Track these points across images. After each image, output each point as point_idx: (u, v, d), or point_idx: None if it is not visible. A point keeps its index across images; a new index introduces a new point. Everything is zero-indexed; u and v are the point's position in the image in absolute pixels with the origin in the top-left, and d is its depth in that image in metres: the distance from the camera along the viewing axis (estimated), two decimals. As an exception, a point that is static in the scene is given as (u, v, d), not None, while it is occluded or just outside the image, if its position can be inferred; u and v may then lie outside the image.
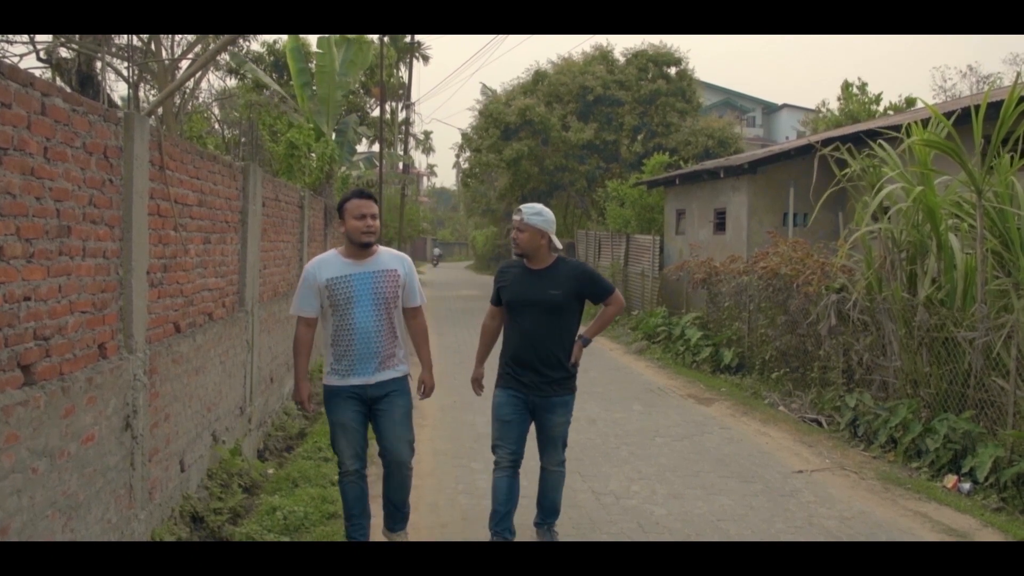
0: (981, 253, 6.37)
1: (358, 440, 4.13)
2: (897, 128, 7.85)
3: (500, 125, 24.28)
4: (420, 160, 58.20)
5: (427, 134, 55.31)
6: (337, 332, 4.07)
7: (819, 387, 8.40)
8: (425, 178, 64.41)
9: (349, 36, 15.13)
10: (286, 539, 4.56)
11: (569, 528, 4.85)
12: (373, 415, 4.13)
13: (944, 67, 45.53)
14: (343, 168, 15.21)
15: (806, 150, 11.83)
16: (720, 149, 22.78)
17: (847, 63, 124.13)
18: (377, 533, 4.40)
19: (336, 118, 15.79)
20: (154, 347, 4.09)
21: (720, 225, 14.05)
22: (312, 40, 18.99)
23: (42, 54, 13.20)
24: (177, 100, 17.54)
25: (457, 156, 32.89)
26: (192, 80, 18.42)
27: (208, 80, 23.27)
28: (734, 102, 43.25)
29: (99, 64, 13.61)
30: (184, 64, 16.79)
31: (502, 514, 4.28)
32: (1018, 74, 9.75)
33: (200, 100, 23.25)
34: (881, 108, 22.33)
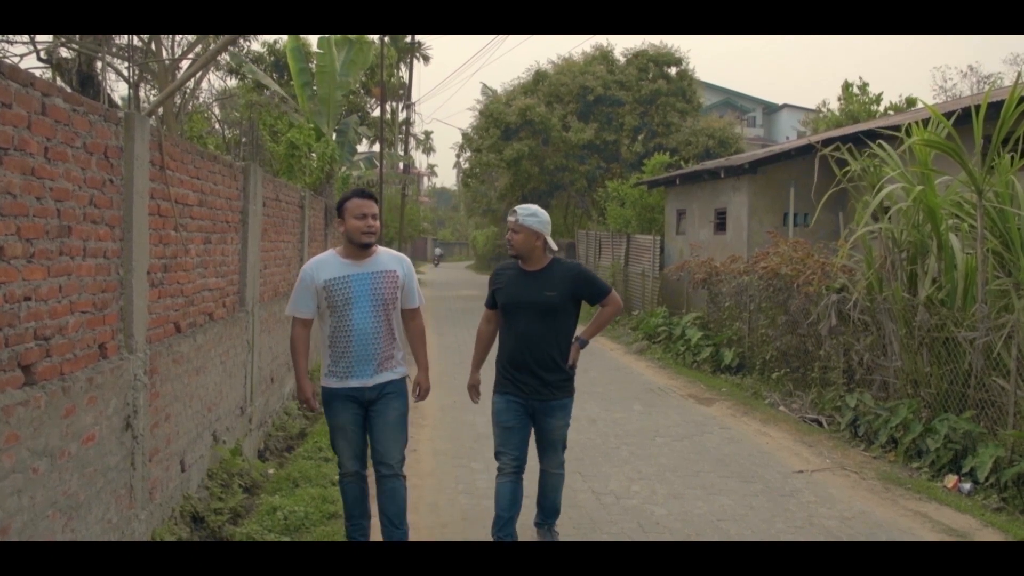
0: (981, 253, 6.37)
1: (357, 442, 4.10)
2: (897, 128, 7.85)
3: (500, 125, 24.28)
4: (420, 160, 58.22)
5: (427, 134, 55.35)
6: (335, 333, 4.02)
7: (819, 387, 8.40)
8: (425, 178, 64.39)
9: (350, 37, 15.14)
10: (287, 539, 4.56)
11: (570, 528, 4.85)
12: (368, 416, 4.08)
13: (944, 67, 45.69)
14: (343, 168, 15.22)
15: (806, 150, 11.83)
16: (720, 149, 22.78)
17: (847, 63, 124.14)
18: (377, 534, 4.40)
19: (336, 118, 15.80)
20: (155, 347, 4.09)
21: (720, 225, 14.04)
22: (312, 40, 19.02)
23: (42, 54, 13.20)
24: (177, 100, 17.55)
25: (457, 156, 32.88)
26: (192, 80, 18.43)
27: (208, 80, 23.29)
28: (734, 102, 43.24)
29: (99, 64, 13.61)
30: (184, 64, 16.79)
31: (505, 520, 4.26)
32: (1018, 74, 9.75)
33: (200, 100, 23.26)
34: (881, 108, 22.33)
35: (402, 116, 35.22)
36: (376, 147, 26.48)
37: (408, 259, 4.29)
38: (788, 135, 38.18)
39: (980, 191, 6.40)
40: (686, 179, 15.58)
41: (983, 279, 6.33)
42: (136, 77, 16.75)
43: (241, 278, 6.01)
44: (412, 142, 42.06)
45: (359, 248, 4.04)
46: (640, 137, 24.08)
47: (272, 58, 26.06)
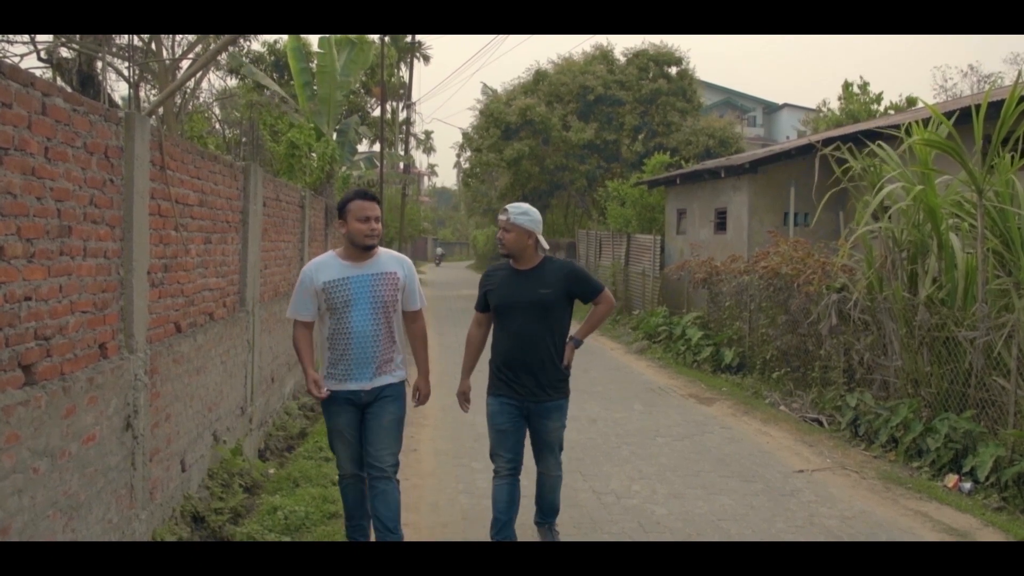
0: (982, 252, 6.37)
1: (354, 445, 4.04)
2: (898, 128, 7.85)
3: (501, 125, 24.29)
4: (421, 160, 58.25)
5: (428, 134, 55.42)
6: (334, 335, 3.98)
7: (820, 387, 8.40)
8: (426, 178, 64.40)
9: (351, 37, 15.15)
10: (287, 539, 4.56)
11: (570, 527, 4.85)
12: (363, 419, 4.02)
13: (945, 67, 45.63)
14: (344, 168, 15.22)
15: (807, 150, 11.82)
16: (721, 149, 22.79)
17: (848, 63, 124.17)
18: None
19: (337, 118, 15.80)
20: (155, 347, 4.09)
21: (721, 225, 14.04)
22: (313, 40, 19.01)
23: (43, 54, 13.19)
24: (178, 100, 17.55)
25: (458, 156, 32.93)
26: (193, 80, 18.42)
27: (209, 80, 23.26)
28: (735, 102, 43.22)
29: (100, 64, 13.61)
30: (185, 64, 16.80)
31: (503, 522, 4.24)
32: (1019, 74, 9.74)
33: (201, 100, 23.25)
34: (882, 108, 22.34)
35: (402, 116, 35.22)
36: (376, 147, 26.49)
37: (409, 260, 4.23)
38: (788, 135, 38.16)
39: (980, 190, 6.40)
40: (686, 179, 15.58)
41: (983, 278, 6.33)
42: (136, 77, 16.75)
43: (241, 278, 6.01)
44: (412, 142, 42.06)
45: (361, 250, 3.99)
46: (640, 137, 24.09)
47: (272, 58, 26.06)
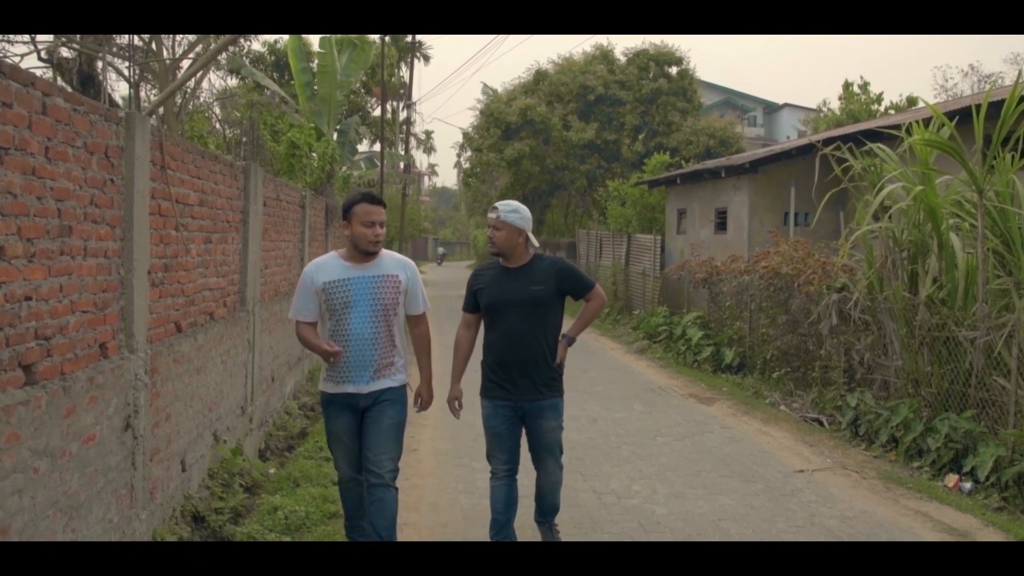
0: (982, 252, 6.37)
1: (352, 449, 3.99)
2: (898, 127, 7.85)
3: (501, 125, 24.30)
4: (421, 160, 58.26)
5: (428, 134, 55.47)
6: (333, 338, 3.93)
7: (820, 386, 8.40)
8: (426, 177, 64.40)
9: (352, 38, 15.16)
10: (287, 539, 4.56)
11: (570, 527, 4.84)
12: (362, 423, 3.95)
13: (945, 67, 45.52)
14: (344, 168, 15.22)
15: (807, 150, 11.82)
16: (721, 148, 22.79)
17: (848, 63, 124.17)
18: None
19: (337, 118, 15.81)
20: (155, 347, 4.09)
21: (721, 224, 14.04)
22: (314, 40, 19.02)
23: (43, 54, 13.19)
24: (178, 100, 17.55)
25: (458, 156, 32.90)
26: (193, 80, 18.42)
27: (209, 80, 23.24)
28: (735, 102, 43.21)
29: (100, 64, 13.61)
30: (185, 64, 16.79)
31: (502, 523, 4.23)
32: (1019, 73, 9.73)
33: (201, 100, 23.24)
34: (882, 108, 22.33)
35: (403, 116, 35.25)
36: (376, 147, 26.51)
37: (413, 263, 4.17)
38: (789, 135, 38.14)
39: (981, 190, 6.39)
40: (687, 178, 15.58)
41: (984, 278, 6.33)
42: (137, 77, 16.75)
43: (242, 278, 6.01)
44: (413, 142, 42.09)
45: (363, 254, 3.94)
46: (641, 136, 24.09)
47: (272, 58, 26.07)
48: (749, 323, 10.64)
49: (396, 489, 3.94)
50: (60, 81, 12.11)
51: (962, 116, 7.78)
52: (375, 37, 22.55)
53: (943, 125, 7.04)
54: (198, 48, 16.66)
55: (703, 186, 14.86)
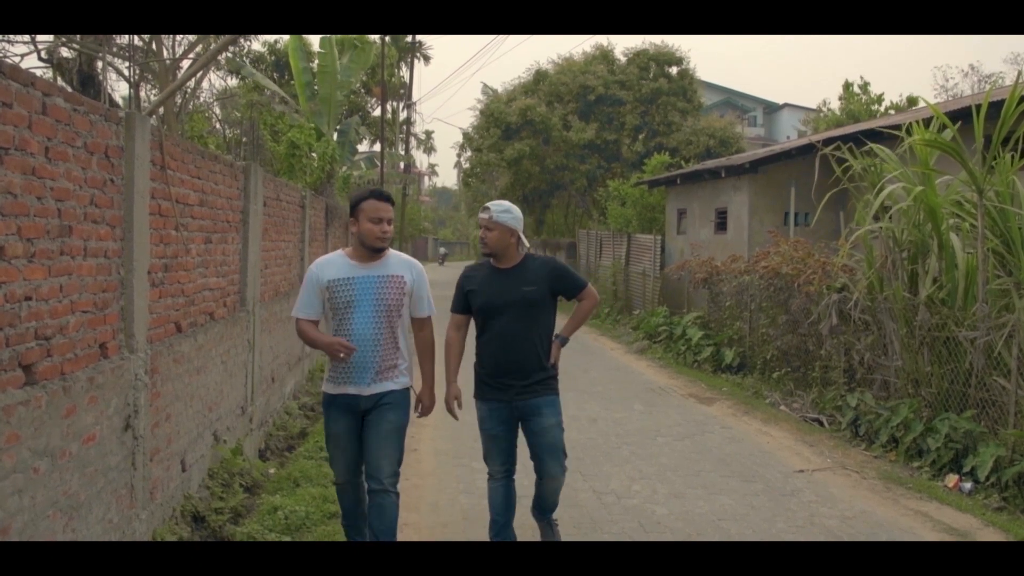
0: (982, 252, 6.37)
1: (351, 452, 3.94)
2: (899, 127, 7.85)
3: (501, 125, 24.31)
4: (421, 160, 58.31)
5: (428, 134, 55.56)
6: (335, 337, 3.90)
7: (820, 387, 8.40)
8: (426, 177, 64.43)
9: (353, 39, 15.17)
10: (287, 539, 4.56)
11: (570, 527, 4.84)
12: (363, 426, 3.90)
13: (945, 67, 45.49)
14: (344, 168, 15.23)
15: (807, 150, 11.82)
16: (721, 148, 22.79)
17: (848, 63, 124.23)
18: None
19: (337, 118, 15.82)
20: (155, 347, 4.09)
21: (721, 225, 14.04)
22: (315, 40, 19.02)
23: (43, 54, 13.19)
24: (178, 100, 17.54)
25: (458, 156, 32.96)
26: (193, 80, 18.41)
27: (209, 80, 23.23)
28: (735, 102, 43.21)
29: (100, 64, 13.61)
30: (185, 64, 16.79)
31: (501, 524, 4.21)
32: (1019, 74, 9.74)
33: (201, 100, 23.24)
34: (883, 108, 22.32)
35: (403, 116, 35.26)
36: (376, 147, 26.51)
37: (420, 265, 4.11)
38: (789, 135, 38.14)
39: (981, 190, 6.39)
40: (687, 179, 15.59)
41: (984, 278, 6.33)
42: (137, 77, 16.75)
43: (242, 278, 6.01)
44: (413, 142, 42.12)
45: (370, 251, 3.89)
46: (641, 136, 24.10)
47: (272, 58, 26.07)
48: (749, 323, 10.64)
49: (397, 494, 3.89)
50: (60, 81, 12.11)
51: (962, 116, 7.77)
52: (375, 37, 22.57)
53: (943, 125, 7.04)
54: (198, 48, 16.65)
55: (703, 186, 14.86)
